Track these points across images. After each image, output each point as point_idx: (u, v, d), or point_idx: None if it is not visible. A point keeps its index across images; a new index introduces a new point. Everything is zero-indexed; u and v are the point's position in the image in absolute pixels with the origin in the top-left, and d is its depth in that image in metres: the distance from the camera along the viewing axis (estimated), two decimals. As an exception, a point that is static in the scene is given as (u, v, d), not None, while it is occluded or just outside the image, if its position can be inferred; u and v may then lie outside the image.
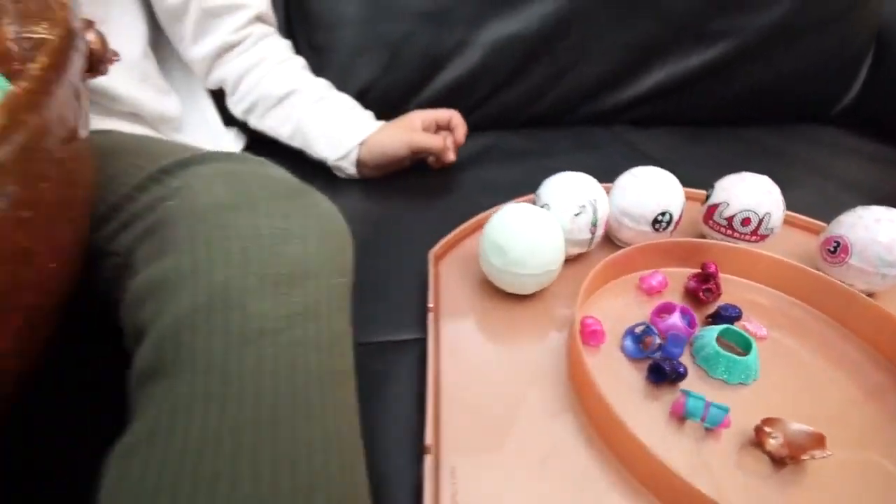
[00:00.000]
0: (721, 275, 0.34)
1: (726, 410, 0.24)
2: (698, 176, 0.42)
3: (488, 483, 0.22)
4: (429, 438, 0.23)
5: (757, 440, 0.23)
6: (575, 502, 0.21)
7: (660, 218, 0.34)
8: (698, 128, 0.63)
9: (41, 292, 0.17)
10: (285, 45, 0.50)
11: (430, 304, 0.30)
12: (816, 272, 0.32)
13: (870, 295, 0.32)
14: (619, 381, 0.27)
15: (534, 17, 0.56)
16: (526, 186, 0.41)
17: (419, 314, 0.32)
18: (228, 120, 0.50)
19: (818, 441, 0.22)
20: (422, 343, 0.30)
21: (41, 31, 0.21)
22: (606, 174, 0.38)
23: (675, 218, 0.34)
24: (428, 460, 0.22)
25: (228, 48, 0.47)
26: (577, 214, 0.32)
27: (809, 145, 0.60)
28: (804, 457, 0.22)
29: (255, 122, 0.49)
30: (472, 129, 0.51)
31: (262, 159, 0.25)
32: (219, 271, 0.18)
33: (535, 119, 0.60)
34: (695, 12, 0.59)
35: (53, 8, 0.19)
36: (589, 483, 0.22)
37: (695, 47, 0.60)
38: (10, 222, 0.14)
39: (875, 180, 0.54)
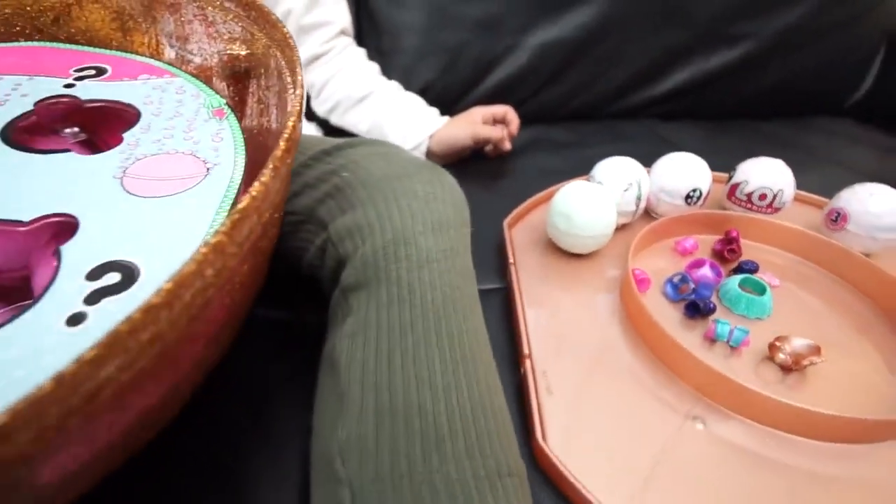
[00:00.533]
0: (741, 239, 0.41)
1: (746, 332, 0.31)
2: (721, 162, 0.50)
3: (567, 377, 0.30)
4: (525, 349, 0.31)
5: (770, 354, 0.31)
6: (623, 387, 0.30)
7: (691, 194, 0.41)
8: (721, 121, 0.70)
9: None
10: (361, 52, 0.59)
11: (511, 260, 0.38)
12: (820, 236, 0.40)
13: (866, 255, 0.39)
14: (662, 316, 0.34)
15: (574, 25, 0.63)
16: (571, 172, 0.48)
17: (499, 269, 0.40)
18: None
19: (815, 350, 0.30)
20: (502, 291, 0.38)
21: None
22: (640, 160, 0.45)
23: (704, 194, 0.42)
24: (528, 363, 0.30)
25: (316, 58, 0.55)
26: (625, 190, 0.39)
27: (823, 136, 0.67)
28: (805, 362, 0.30)
29: (336, 120, 0.58)
30: (520, 122, 0.59)
31: (394, 144, 0.34)
32: (396, 219, 0.26)
33: (575, 113, 0.68)
34: (718, 17, 0.66)
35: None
36: (634, 376, 0.30)
37: (718, 48, 0.67)
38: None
39: (881, 166, 0.61)
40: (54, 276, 0.17)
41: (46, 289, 0.17)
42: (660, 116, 0.69)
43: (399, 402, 0.21)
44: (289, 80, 0.23)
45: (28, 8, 0.30)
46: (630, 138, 0.62)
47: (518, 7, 0.62)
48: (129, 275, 0.17)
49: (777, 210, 0.42)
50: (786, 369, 0.31)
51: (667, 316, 0.35)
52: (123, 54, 0.31)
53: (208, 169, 0.23)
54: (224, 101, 0.28)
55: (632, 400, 0.29)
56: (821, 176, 0.54)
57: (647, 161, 0.45)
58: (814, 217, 0.45)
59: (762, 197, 0.42)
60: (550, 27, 0.64)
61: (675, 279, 0.36)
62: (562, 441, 0.27)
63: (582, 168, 0.48)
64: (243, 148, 0.24)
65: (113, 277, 0.17)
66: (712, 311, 0.34)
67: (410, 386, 0.22)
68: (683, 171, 0.41)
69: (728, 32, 0.67)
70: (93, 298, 0.16)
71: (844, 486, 0.26)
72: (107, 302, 0.16)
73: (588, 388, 0.30)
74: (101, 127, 0.26)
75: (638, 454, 0.26)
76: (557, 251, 0.40)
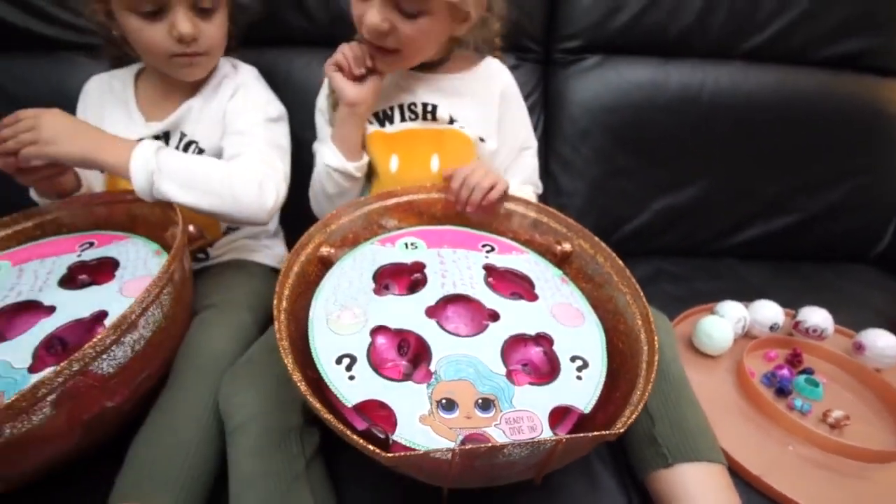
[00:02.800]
0: (803, 354, 0.71)
1: (810, 406, 0.61)
2: (783, 295, 0.79)
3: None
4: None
5: (822, 418, 0.61)
6: (742, 429, 0.59)
7: (773, 326, 0.72)
8: (779, 262, 1.01)
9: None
10: None
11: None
12: (848, 357, 0.70)
13: (877, 370, 0.69)
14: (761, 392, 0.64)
15: (685, 197, 0.97)
16: (689, 299, 0.80)
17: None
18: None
19: (846, 417, 0.60)
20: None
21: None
22: (726, 291, 0.77)
23: (781, 325, 0.73)
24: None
25: None
26: (737, 322, 0.71)
27: (852, 280, 0.97)
28: (842, 423, 0.59)
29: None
30: (642, 255, 0.92)
31: None
32: None
33: (679, 251, 1.00)
34: (780, 195, 0.99)
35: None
36: (749, 421, 0.60)
37: (779, 215, 1.00)
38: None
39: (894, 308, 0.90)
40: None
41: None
42: (737, 257, 1.01)
43: None
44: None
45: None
46: (720, 275, 0.93)
47: (647, 185, 0.97)
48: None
49: (823, 338, 0.73)
50: (832, 426, 0.60)
51: (763, 393, 0.65)
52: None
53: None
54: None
55: (748, 436, 0.59)
56: (848, 314, 0.83)
57: (732, 291, 0.77)
58: (845, 343, 0.75)
59: (814, 330, 0.72)
60: (668, 198, 0.98)
61: (768, 374, 0.67)
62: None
63: (692, 297, 0.80)
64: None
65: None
66: (790, 393, 0.64)
67: None
68: (769, 312, 0.73)
69: (786, 205, 1.00)
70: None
71: (867, 483, 0.55)
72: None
73: (717, 428, 0.60)
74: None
75: (755, 463, 0.56)
76: (697, 351, 0.71)
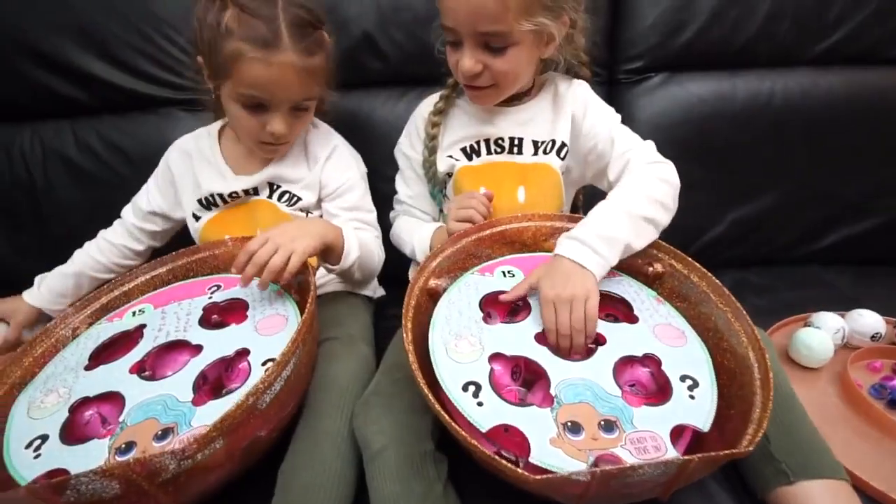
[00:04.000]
0: (910, 363, 0.69)
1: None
2: (877, 305, 0.78)
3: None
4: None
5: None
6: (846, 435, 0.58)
7: (875, 335, 0.71)
8: (860, 266, 0.98)
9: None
10: None
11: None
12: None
13: None
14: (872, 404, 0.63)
15: (759, 207, 0.96)
16: (777, 312, 0.79)
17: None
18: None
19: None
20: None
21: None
22: (814, 301, 0.76)
23: (883, 334, 0.71)
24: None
25: None
26: (835, 332, 0.70)
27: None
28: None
29: None
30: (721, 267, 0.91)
31: None
32: None
33: (758, 261, 0.99)
34: (863, 196, 0.96)
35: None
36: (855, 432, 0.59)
37: (861, 219, 0.97)
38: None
39: None
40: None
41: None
42: (821, 264, 0.98)
43: None
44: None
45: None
46: (805, 284, 0.92)
47: (720, 197, 0.97)
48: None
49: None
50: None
51: (872, 405, 0.63)
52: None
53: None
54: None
55: (863, 450, 0.58)
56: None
57: (821, 300, 0.76)
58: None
59: (920, 338, 0.70)
60: (743, 207, 0.97)
61: (876, 386, 0.65)
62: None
63: (781, 308, 0.79)
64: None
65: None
66: (902, 404, 0.63)
67: None
68: (870, 320, 0.71)
69: (870, 207, 0.97)
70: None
71: None
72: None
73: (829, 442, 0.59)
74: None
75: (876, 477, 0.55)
76: (793, 363, 0.71)
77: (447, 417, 0.43)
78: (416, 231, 0.76)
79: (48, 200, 0.98)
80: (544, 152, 0.74)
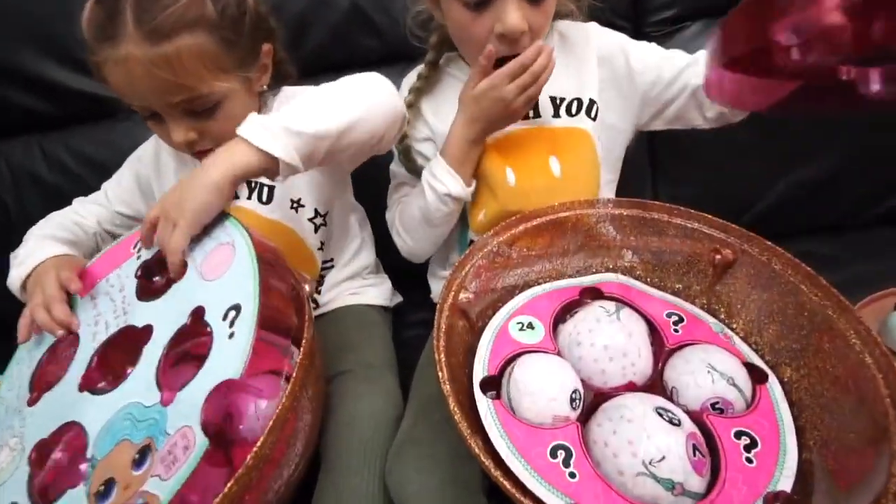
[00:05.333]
0: None
1: None
2: None
3: None
4: None
5: None
6: None
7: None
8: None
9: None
10: None
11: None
12: None
13: None
14: None
15: (822, 167, 0.84)
16: (859, 286, 0.68)
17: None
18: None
19: None
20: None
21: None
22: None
23: None
24: None
25: None
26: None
27: None
28: None
29: None
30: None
31: None
32: None
33: (821, 229, 0.88)
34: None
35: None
36: None
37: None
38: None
39: None
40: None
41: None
42: (892, 225, 0.87)
43: None
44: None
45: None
46: (881, 252, 0.79)
47: (770, 162, 0.85)
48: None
49: None
50: None
51: None
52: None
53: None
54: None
55: None
56: None
57: None
58: None
59: None
60: (797, 171, 0.86)
61: None
62: None
63: (857, 282, 0.67)
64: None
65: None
66: None
67: None
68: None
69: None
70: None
71: None
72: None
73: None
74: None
75: None
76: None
77: (510, 488, 0.33)
78: (424, 174, 0.62)
79: (23, 223, 0.88)
80: (569, 113, 0.63)
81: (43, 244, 0.60)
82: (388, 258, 0.78)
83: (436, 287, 0.75)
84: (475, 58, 0.56)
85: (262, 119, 0.47)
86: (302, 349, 0.42)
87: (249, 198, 0.63)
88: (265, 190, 0.64)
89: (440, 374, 0.40)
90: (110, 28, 0.49)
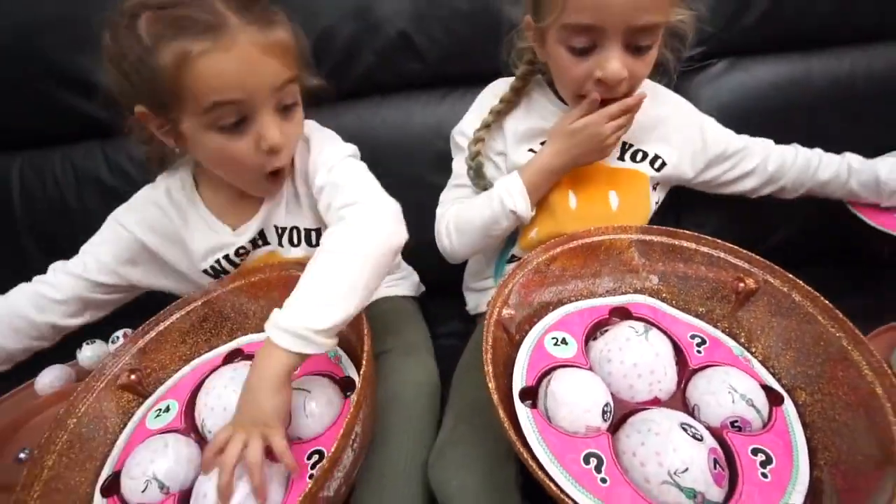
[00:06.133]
0: None
1: None
2: None
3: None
4: None
5: None
6: None
7: None
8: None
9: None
10: None
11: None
12: None
13: None
14: None
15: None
16: (874, 316, 0.71)
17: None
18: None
19: None
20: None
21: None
22: None
23: None
24: None
25: None
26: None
27: None
28: None
29: None
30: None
31: None
32: None
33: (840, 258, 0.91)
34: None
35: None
36: None
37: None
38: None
39: None
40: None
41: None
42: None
43: None
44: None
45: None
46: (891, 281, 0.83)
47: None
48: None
49: None
50: None
51: None
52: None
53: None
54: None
55: None
56: None
57: None
58: None
59: None
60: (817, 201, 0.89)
61: None
62: None
63: (870, 311, 0.70)
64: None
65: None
66: None
67: None
68: None
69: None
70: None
71: None
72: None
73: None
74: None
75: None
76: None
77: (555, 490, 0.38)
78: (497, 186, 0.64)
79: (83, 223, 0.93)
80: (633, 159, 0.68)
81: None
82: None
83: (471, 299, 0.80)
84: (570, 93, 0.61)
85: (288, 322, 0.45)
86: (367, 353, 0.47)
87: (290, 244, 0.65)
88: (306, 235, 0.65)
89: (489, 384, 0.44)
90: (211, 19, 0.48)
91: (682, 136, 0.69)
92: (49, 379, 0.76)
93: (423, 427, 0.55)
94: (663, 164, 0.69)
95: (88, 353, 0.80)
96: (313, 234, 0.64)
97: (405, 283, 0.80)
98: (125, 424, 0.53)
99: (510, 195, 0.62)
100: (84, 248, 0.65)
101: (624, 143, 0.68)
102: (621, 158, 0.68)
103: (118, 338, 0.81)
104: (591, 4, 0.52)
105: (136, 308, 0.85)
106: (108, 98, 0.55)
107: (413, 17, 0.84)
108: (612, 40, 0.54)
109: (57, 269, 0.64)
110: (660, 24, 0.55)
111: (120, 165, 0.93)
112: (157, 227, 0.64)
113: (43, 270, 0.96)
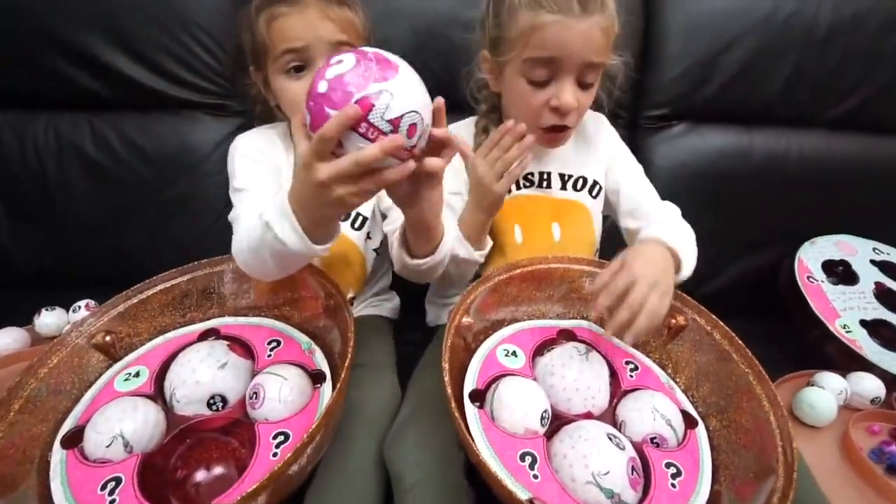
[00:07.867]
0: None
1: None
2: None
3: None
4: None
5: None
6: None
7: (875, 399, 0.74)
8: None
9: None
10: None
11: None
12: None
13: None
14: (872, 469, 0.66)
15: (768, 259, 0.99)
16: (784, 366, 0.81)
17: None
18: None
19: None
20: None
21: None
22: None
23: (882, 399, 0.74)
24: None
25: None
26: (839, 394, 0.72)
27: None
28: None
29: None
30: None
31: None
32: None
33: (762, 312, 1.02)
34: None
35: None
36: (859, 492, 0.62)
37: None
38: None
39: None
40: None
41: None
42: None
43: None
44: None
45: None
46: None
47: (727, 248, 1.00)
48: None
49: (926, 413, 0.74)
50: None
51: (871, 468, 0.66)
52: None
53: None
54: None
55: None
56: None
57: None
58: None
59: (917, 405, 0.73)
60: (746, 260, 1.00)
61: (876, 450, 0.68)
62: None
63: (781, 361, 0.81)
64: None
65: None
66: (901, 470, 0.65)
67: None
68: (871, 384, 0.74)
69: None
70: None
71: None
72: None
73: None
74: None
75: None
76: (796, 419, 0.73)
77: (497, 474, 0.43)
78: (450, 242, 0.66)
79: (61, 193, 0.95)
80: (574, 188, 0.75)
81: None
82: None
83: (431, 312, 0.85)
84: (526, 120, 0.64)
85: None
86: (349, 358, 0.52)
87: (344, 220, 0.73)
88: (359, 219, 0.75)
89: (445, 380, 0.49)
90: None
91: (607, 150, 0.77)
92: (5, 341, 0.76)
93: (383, 432, 0.58)
94: (600, 189, 0.76)
95: (47, 319, 0.81)
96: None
97: (388, 304, 0.86)
98: (91, 384, 0.55)
99: (452, 245, 0.66)
100: (239, 197, 0.68)
101: (562, 175, 0.75)
102: (563, 188, 0.75)
103: (79, 307, 0.82)
104: (554, 41, 0.60)
105: (97, 280, 0.87)
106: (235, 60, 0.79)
107: (412, 46, 0.90)
108: (567, 73, 0.62)
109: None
110: (604, 63, 0.64)
111: (107, 140, 0.94)
112: (265, 151, 0.73)
113: (8, 229, 0.96)
